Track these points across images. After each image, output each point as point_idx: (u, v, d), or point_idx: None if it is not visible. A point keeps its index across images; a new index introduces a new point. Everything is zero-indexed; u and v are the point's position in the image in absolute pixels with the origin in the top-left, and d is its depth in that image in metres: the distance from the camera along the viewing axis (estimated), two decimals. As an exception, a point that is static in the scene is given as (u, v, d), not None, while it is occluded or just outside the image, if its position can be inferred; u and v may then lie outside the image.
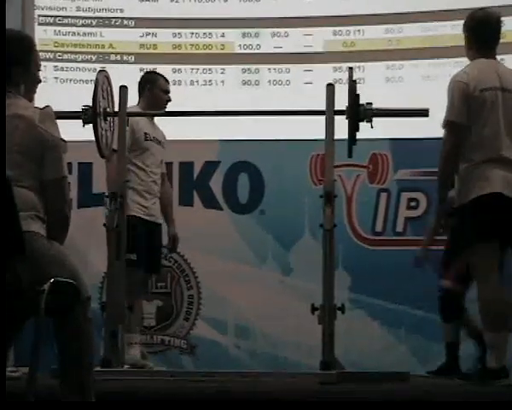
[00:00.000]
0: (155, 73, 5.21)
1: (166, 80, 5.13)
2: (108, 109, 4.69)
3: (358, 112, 4.43)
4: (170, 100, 5.04)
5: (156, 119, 5.04)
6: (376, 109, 4.46)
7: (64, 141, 3.09)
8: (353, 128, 4.43)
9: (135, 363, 4.77)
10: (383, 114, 4.57)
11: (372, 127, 4.44)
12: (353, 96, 4.43)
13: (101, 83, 4.64)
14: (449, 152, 4.11)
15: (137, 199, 4.86)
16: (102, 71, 4.77)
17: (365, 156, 5.66)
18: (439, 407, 3.59)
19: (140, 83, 5.06)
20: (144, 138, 4.93)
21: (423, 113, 4.58)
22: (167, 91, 5.06)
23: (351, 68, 4.52)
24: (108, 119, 4.70)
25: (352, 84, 4.44)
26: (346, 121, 4.48)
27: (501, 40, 4.20)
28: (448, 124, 4.12)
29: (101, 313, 4.48)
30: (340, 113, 4.48)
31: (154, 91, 5.01)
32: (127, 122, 4.72)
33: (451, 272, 4.83)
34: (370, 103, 4.47)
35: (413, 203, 5.70)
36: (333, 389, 4.05)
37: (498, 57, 4.20)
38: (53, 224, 3.02)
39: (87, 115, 4.58)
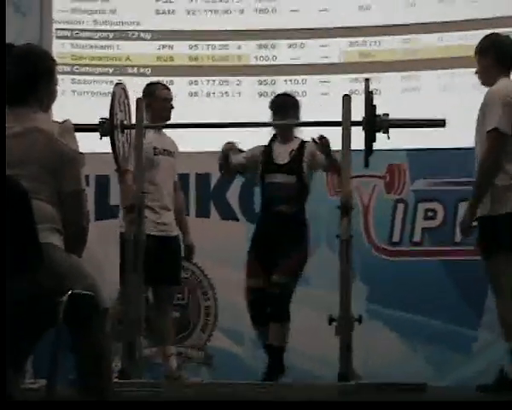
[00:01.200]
0: (153, 83, 5.17)
1: (166, 87, 5.10)
2: (125, 122, 4.71)
3: (375, 123, 4.43)
4: (172, 107, 5.00)
5: (169, 130, 5.05)
6: (393, 120, 4.47)
7: (82, 154, 3.11)
8: (370, 139, 4.44)
9: (172, 375, 4.80)
10: (400, 124, 4.57)
11: (389, 138, 4.44)
12: (370, 107, 4.44)
13: (118, 95, 4.67)
14: (495, 160, 4.14)
15: (149, 216, 4.84)
16: (119, 83, 4.79)
17: (382, 167, 5.65)
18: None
19: (142, 97, 5.02)
20: (153, 153, 4.92)
21: (440, 123, 4.58)
22: (167, 99, 5.03)
23: (367, 79, 4.52)
24: (125, 131, 4.72)
25: (369, 95, 4.45)
26: (363, 132, 4.48)
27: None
28: (493, 132, 4.13)
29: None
30: (357, 124, 4.49)
31: (154, 103, 4.98)
32: (144, 134, 4.74)
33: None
34: (387, 114, 4.47)
35: (430, 213, 5.69)
36: (350, 400, 4.04)
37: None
38: (71, 236, 3.04)
39: (104, 128, 4.60)
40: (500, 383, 4.17)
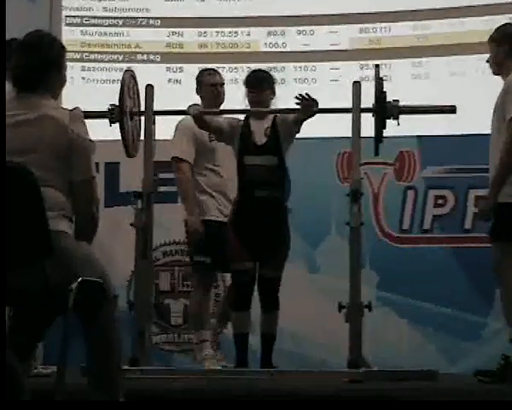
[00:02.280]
0: (201, 71, 5.12)
1: (212, 72, 5.04)
2: (135, 109, 4.71)
3: (385, 109, 4.42)
4: (219, 92, 4.93)
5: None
6: (403, 107, 4.45)
7: (92, 142, 3.11)
8: (380, 126, 4.42)
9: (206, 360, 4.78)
10: (410, 111, 4.55)
11: (399, 125, 4.42)
12: (380, 93, 4.42)
13: (128, 82, 4.66)
14: None
15: (207, 201, 4.84)
16: (128, 70, 4.79)
17: (392, 154, 5.63)
18: (467, 406, 3.57)
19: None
20: (209, 140, 4.90)
21: (450, 109, 4.56)
22: (214, 84, 4.97)
23: (377, 66, 4.50)
24: (135, 118, 4.72)
25: (379, 82, 4.43)
26: (373, 119, 4.46)
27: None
28: None
29: (128, 312, 4.50)
30: (367, 110, 4.47)
31: (203, 91, 4.96)
32: (153, 121, 4.73)
33: None
34: (397, 101, 4.45)
35: (440, 201, 5.67)
36: (360, 388, 4.05)
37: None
38: (81, 224, 3.04)
39: (114, 115, 4.60)
40: (504, 371, 4.17)
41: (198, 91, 5.00)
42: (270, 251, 4.52)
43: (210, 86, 4.97)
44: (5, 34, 3.12)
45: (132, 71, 4.79)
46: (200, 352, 4.82)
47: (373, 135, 4.46)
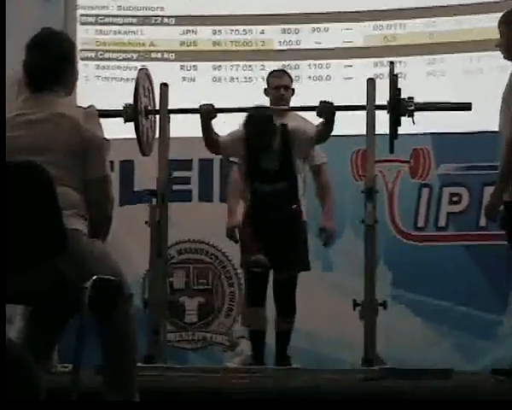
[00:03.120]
0: (270, 72, 5.10)
1: (275, 75, 4.99)
2: (149, 107, 4.71)
3: (400, 106, 4.40)
4: (282, 94, 4.84)
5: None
6: (418, 104, 4.44)
7: (107, 140, 3.11)
8: (395, 123, 4.41)
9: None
10: (425, 108, 4.54)
11: (414, 122, 4.41)
12: (394, 90, 4.41)
13: (142, 81, 4.67)
14: None
15: None
16: (143, 69, 4.79)
17: (407, 151, 5.61)
18: (483, 405, 3.55)
19: None
20: None
21: (466, 107, 4.54)
22: (278, 87, 4.90)
23: (392, 63, 4.49)
24: (149, 116, 4.72)
25: (394, 79, 4.42)
26: (387, 116, 4.45)
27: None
28: None
29: (143, 310, 4.51)
30: (382, 108, 4.46)
31: (269, 93, 4.94)
32: (168, 119, 4.73)
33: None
34: (412, 98, 4.44)
35: (455, 198, 5.65)
36: (375, 386, 4.04)
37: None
38: (95, 222, 3.05)
39: (128, 113, 4.61)
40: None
41: (266, 93, 4.97)
42: (283, 255, 4.48)
43: (274, 89, 4.93)
44: (5, 34, 3.12)
45: (147, 69, 4.80)
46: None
47: (387, 132, 4.45)
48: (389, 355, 4.66)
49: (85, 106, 3.12)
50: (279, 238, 4.48)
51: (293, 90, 4.97)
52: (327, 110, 4.43)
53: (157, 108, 4.74)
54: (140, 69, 4.78)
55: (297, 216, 4.57)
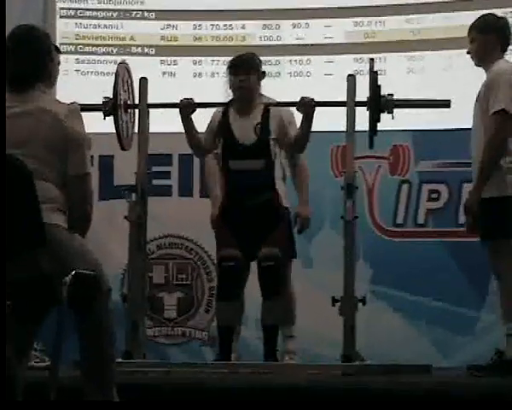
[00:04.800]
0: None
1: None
2: (129, 102, 4.70)
3: (380, 103, 4.41)
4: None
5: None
6: (398, 100, 4.45)
7: (89, 137, 3.10)
8: (375, 119, 4.42)
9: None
10: (404, 105, 4.55)
11: (393, 118, 4.42)
12: (375, 86, 4.42)
13: (122, 75, 4.65)
14: (502, 141, 4.13)
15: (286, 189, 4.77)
16: (123, 63, 4.77)
17: (386, 148, 5.63)
18: (460, 400, 3.57)
19: None
20: None
21: (445, 104, 4.56)
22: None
23: (372, 59, 4.51)
24: (129, 111, 4.71)
25: (374, 75, 4.43)
26: (367, 113, 4.46)
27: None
28: (501, 113, 4.12)
29: (122, 305, 4.50)
30: (362, 104, 4.47)
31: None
32: (147, 114, 4.72)
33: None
34: (392, 94, 4.45)
35: (434, 195, 5.67)
36: (354, 381, 4.05)
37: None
38: (75, 218, 3.04)
39: (108, 107, 4.59)
40: (496, 365, 4.18)
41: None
42: (264, 236, 4.38)
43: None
44: (5, 34, 3.11)
45: (126, 63, 4.78)
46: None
47: (367, 129, 4.46)
48: (368, 351, 4.67)
49: (67, 101, 3.11)
50: (255, 227, 4.41)
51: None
52: (307, 105, 4.42)
53: (136, 102, 4.72)
54: (119, 63, 4.76)
55: (274, 203, 4.49)
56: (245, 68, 4.48)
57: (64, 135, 2.99)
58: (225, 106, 4.57)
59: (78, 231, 3.04)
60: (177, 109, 4.58)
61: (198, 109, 4.61)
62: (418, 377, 4.25)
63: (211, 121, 4.60)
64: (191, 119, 4.55)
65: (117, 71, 4.64)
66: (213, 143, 4.55)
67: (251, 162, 4.40)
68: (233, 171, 4.45)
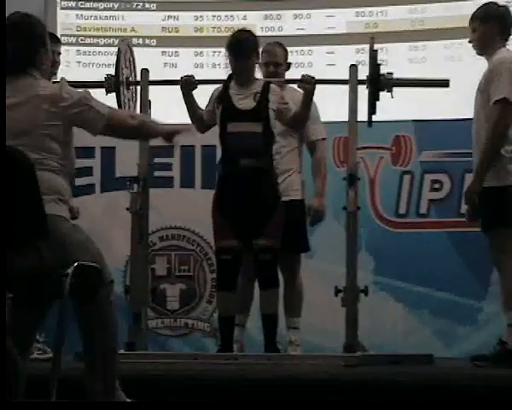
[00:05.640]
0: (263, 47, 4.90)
1: (266, 49, 4.76)
2: (131, 78, 4.68)
3: (379, 81, 4.39)
4: (272, 71, 4.71)
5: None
6: (396, 79, 4.43)
7: (86, 91, 3.12)
8: (373, 97, 4.40)
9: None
10: (403, 83, 4.54)
11: (392, 96, 4.40)
12: (374, 64, 4.41)
13: (124, 52, 4.63)
14: (504, 129, 4.13)
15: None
16: (125, 40, 4.76)
17: (388, 138, 5.62)
18: (463, 390, 3.57)
19: None
20: None
21: (444, 83, 4.54)
22: (267, 63, 4.75)
23: (372, 38, 4.49)
24: (131, 88, 4.68)
25: (373, 53, 4.41)
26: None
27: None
28: (503, 101, 4.11)
29: (124, 297, 4.50)
30: (361, 82, 4.46)
31: (261, 66, 4.74)
32: (149, 105, 4.71)
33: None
34: (391, 73, 4.44)
35: (436, 185, 5.67)
36: (356, 372, 4.05)
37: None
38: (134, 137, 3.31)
39: (110, 84, 4.57)
40: (499, 355, 4.17)
41: (260, 67, 4.73)
42: (260, 221, 4.36)
43: (264, 65, 4.74)
44: (5, 33, 3.10)
45: (129, 40, 4.77)
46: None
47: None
48: (370, 341, 4.67)
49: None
50: (252, 206, 4.36)
51: (289, 64, 4.85)
52: (307, 81, 4.42)
53: (138, 79, 4.70)
54: (122, 40, 4.74)
55: (275, 200, 4.46)
56: (243, 52, 4.46)
57: (66, 114, 2.99)
58: (225, 81, 4.57)
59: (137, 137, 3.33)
60: (178, 104, 4.58)
61: (199, 98, 4.61)
62: (420, 368, 4.25)
63: (211, 95, 4.59)
64: (192, 95, 4.56)
65: (119, 48, 4.62)
66: (214, 113, 4.55)
67: (249, 125, 4.38)
68: (231, 133, 4.43)
